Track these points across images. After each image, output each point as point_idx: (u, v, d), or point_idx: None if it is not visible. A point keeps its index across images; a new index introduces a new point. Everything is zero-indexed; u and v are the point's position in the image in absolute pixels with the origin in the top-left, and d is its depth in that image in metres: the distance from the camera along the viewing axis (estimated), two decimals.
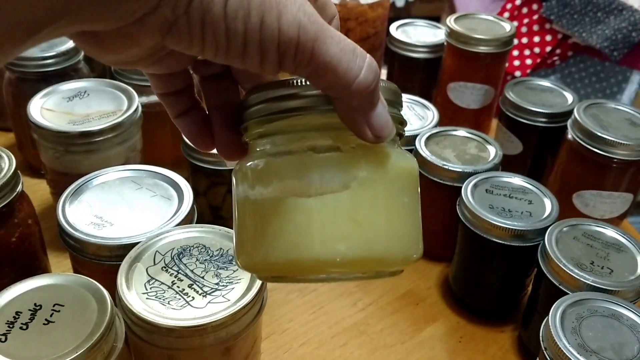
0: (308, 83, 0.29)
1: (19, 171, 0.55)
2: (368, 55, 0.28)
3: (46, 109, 0.66)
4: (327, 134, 0.30)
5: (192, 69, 0.33)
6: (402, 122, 0.32)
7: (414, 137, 0.69)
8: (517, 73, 1.33)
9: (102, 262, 0.50)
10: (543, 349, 0.48)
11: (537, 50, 1.32)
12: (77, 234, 0.51)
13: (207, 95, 0.33)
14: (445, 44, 0.87)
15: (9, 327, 0.40)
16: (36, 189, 0.76)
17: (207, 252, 0.49)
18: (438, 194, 0.67)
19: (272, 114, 0.30)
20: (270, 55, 0.26)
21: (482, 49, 0.83)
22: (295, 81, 0.29)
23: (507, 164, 0.73)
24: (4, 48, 0.22)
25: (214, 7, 0.24)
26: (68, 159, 0.64)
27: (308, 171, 0.29)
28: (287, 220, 0.29)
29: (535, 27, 1.32)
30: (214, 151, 0.65)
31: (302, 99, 0.29)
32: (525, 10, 1.35)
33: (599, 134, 0.67)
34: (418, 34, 0.92)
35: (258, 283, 0.45)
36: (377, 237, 0.29)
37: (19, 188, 0.55)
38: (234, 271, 0.47)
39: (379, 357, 0.60)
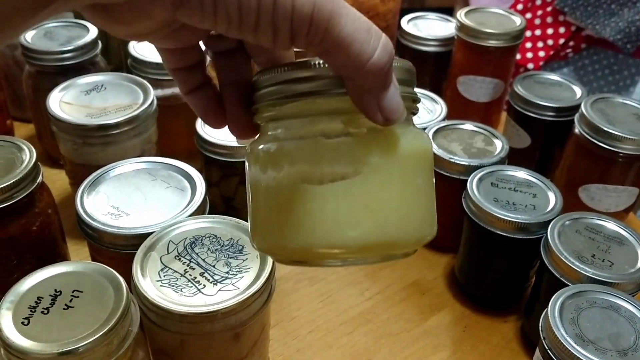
0: (319, 65, 0.28)
1: (39, 163, 0.58)
2: (383, 35, 0.27)
3: (65, 102, 0.68)
4: (339, 118, 0.29)
5: (205, 43, 0.32)
6: (415, 100, 0.32)
7: (423, 130, 0.71)
8: (530, 65, 1.33)
9: (119, 250, 0.53)
10: (542, 338, 0.49)
11: (550, 42, 1.32)
12: (94, 223, 0.53)
13: (219, 71, 0.33)
14: (455, 37, 0.88)
15: (31, 311, 0.42)
16: (55, 179, 0.79)
17: (218, 242, 0.51)
18: (444, 187, 0.69)
19: (282, 97, 0.30)
20: (283, 32, 0.25)
21: (492, 43, 0.83)
22: (306, 63, 0.29)
23: (515, 157, 0.74)
24: (14, 22, 0.22)
25: None
26: (86, 150, 0.66)
27: (319, 157, 0.29)
28: (299, 207, 0.29)
29: (549, 19, 1.32)
30: (227, 143, 0.66)
31: (312, 82, 0.29)
32: (539, 1, 1.35)
33: (605, 129, 0.67)
34: (429, 28, 0.93)
35: (266, 272, 0.47)
36: (390, 222, 0.29)
37: (39, 179, 0.57)
38: (244, 260, 0.49)
39: (385, 344, 0.62)
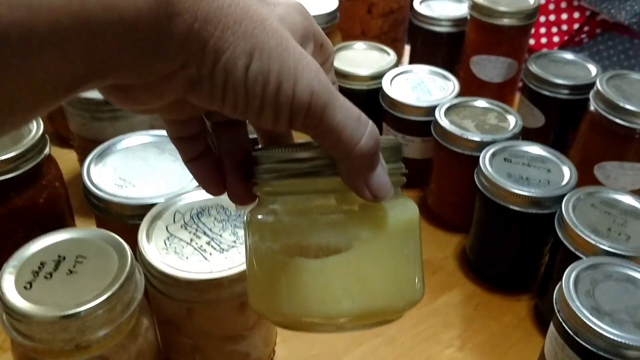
0: (314, 147, 0.31)
1: (46, 135, 0.57)
2: (370, 122, 0.29)
3: None
4: (332, 196, 0.31)
5: (205, 115, 0.34)
6: (402, 174, 0.34)
7: (434, 107, 0.70)
8: (544, 51, 1.31)
9: (125, 221, 0.52)
10: (556, 311, 0.48)
11: (564, 27, 1.30)
12: (101, 194, 0.53)
13: (219, 141, 0.34)
14: (468, 17, 0.86)
15: (34, 276, 0.42)
16: (65, 159, 0.78)
17: (226, 212, 0.50)
18: (457, 164, 0.68)
19: (281, 175, 0.32)
20: (283, 117, 0.27)
21: (506, 21, 0.82)
22: (303, 145, 0.31)
23: (530, 137, 0.72)
24: (44, 102, 0.23)
25: (237, 71, 0.26)
26: (94, 125, 0.66)
27: (315, 232, 0.31)
28: (295, 278, 0.31)
29: (563, 4, 1.30)
30: None
31: (309, 162, 0.31)
32: None
33: (622, 105, 0.66)
34: (441, 8, 0.92)
35: None
36: (380, 291, 0.31)
37: (47, 151, 0.56)
38: None
39: (394, 322, 0.61)
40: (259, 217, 0.33)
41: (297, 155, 0.31)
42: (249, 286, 0.34)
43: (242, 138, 0.34)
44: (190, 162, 0.34)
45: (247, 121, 0.34)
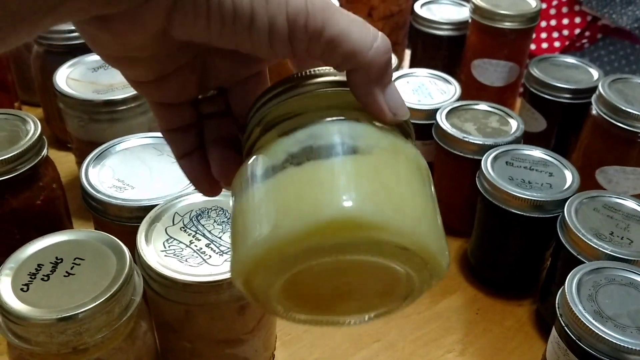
0: (313, 72, 0.28)
1: (44, 136, 0.57)
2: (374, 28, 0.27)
3: (72, 78, 0.67)
4: (340, 112, 0.28)
5: (195, 105, 0.32)
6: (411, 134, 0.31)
7: (435, 110, 0.69)
8: (546, 55, 1.31)
9: (123, 223, 0.52)
10: (559, 315, 0.47)
11: (565, 32, 1.30)
12: (99, 195, 0.52)
13: (207, 131, 0.33)
14: (469, 20, 0.86)
15: (31, 278, 0.41)
16: (63, 161, 0.78)
17: (225, 214, 0.49)
18: (458, 167, 0.67)
19: (284, 97, 0.29)
20: (280, 27, 0.25)
21: (507, 25, 0.82)
22: (300, 73, 0.29)
23: (531, 141, 0.72)
24: (23, 26, 0.22)
25: None
26: (92, 127, 0.65)
27: (327, 131, 0.26)
28: (308, 181, 0.25)
29: (564, 9, 1.30)
30: None
31: (313, 85, 0.29)
32: None
33: (624, 109, 0.65)
34: (442, 12, 0.92)
35: None
36: (407, 208, 0.25)
37: (44, 152, 0.56)
38: None
39: (394, 326, 0.60)
40: (254, 157, 0.28)
41: (294, 82, 0.28)
42: (232, 253, 0.27)
43: (228, 128, 0.33)
44: (183, 158, 0.33)
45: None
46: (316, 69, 0.29)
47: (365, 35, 0.26)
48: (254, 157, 0.28)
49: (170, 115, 0.32)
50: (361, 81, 0.27)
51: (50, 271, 0.42)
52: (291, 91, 0.29)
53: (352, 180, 0.25)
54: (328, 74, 0.29)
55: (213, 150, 0.32)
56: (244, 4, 0.24)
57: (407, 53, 1.01)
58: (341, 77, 0.29)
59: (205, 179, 0.33)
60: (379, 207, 0.24)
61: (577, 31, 1.29)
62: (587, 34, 1.29)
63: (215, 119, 0.33)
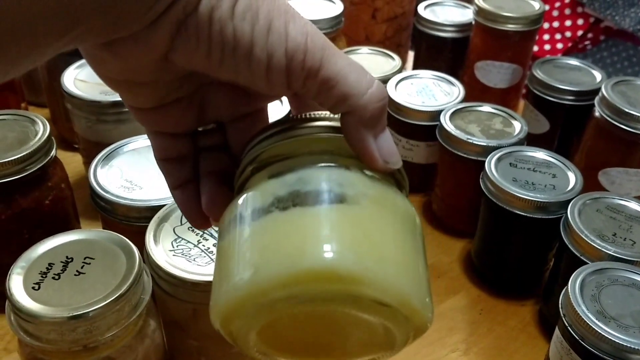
0: (310, 115, 0.28)
1: (52, 137, 0.57)
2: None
3: (79, 79, 0.68)
4: (332, 158, 0.28)
5: (194, 138, 0.32)
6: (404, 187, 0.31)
7: (439, 112, 0.70)
8: (549, 57, 1.32)
9: (131, 223, 0.52)
10: (562, 315, 0.48)
11: (568, 34, 1.30)
12: (108, 196, 0.53)
13: (202, 163, 0.33)
14: (473, 22, 0.86)
15: (42, 277, 0.42)
16: (70, 161, 0.78)
17: None
18: (462, 169, 0.68)
19: (273, 141, 0.29)
20: (278, 60, 0.25)
21: (511, 27, 0.82)
22: (297, 115, 0.29)
23: (534, 143, 0.73)
24: (39, 50, 0.23)
25: (223, 5, 0.24)
26: (100, 128, 0.66)
27: (316, 177, 0.27)
28: (291, 228, 0.25)
29: (567, 11, 1.30)
30: None
31: (306, 129, 0.29)
32: None
33: (627, 110, 0.66)
34: (446, 14, 0.92)
35: None
36: (390, 262, 0.25)
37: (53, 153, 0.57)
38: None
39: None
40: (243, 196, 0.28)
41: (289, 124, 0.28)
42: (213, 291, 0.28)
43: (226, 161, 0.33)
44: (177, 189, 0.33)
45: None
46: (314, 112, 0.29)
47: (361, 79, 0.26)
48: (243, 196, 0.28)
49: (167, 145, 0.32)
50: (353, 125, 0.27)
51: (61, 270, 0.42)
52: (286, 132, 0.29)
53: (335, 230, 0.25)
54: (325, 118, 0.29)
55: (205, 183, 0.32)
56: (244, 33, 0.25)
57: (411, 55, 1.01)
58: (337, 123, 0.29)
59: (197, 212, 0.32)
60: (359, 259, 0.24)
61: (580, 33, 1.29)
62: (589, 35, 1.30)
63: (211, 152, 0.33)
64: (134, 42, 0.25)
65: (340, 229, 0.25)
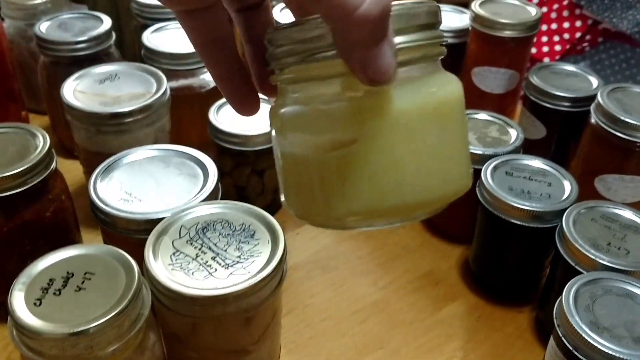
0: (319, 24, 0.27)
1: (53, 150, 0.58)
2: None
3: (79, 91, 0.68)
4: (337, 81, 0.28)
5: (224, 3, 0.31)
6: (441, 44, 0.30)
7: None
8: (546, 59, 1.32)
9: (131, 235, 0.53)
10: (556, 326, 0.48)
11: (566, 36, 1.30)
12: (107, 208, 0.53)
13: (241, 30, 0.32)
14: (470, 28, 0.87)
15: (43, 292, 0.43)
16: (70, 169, 0.79)
17: (230, 227, 0.51)
18: None
19: (286, 62, 0.29)
20: None
21: (507, 33, 0.83)
22: (307, 22, 0.28)
23: (531, 148, 0.73)
24: None
25: None
26: (100, 139, 0.66)
27: (318, 126, 0.28)
28: (316, 176, 0.29)
29: (565, 13, 1.30)
30: (240, 132, 0.67)
31: (315, 42, 0.27)
32: None
33: (622, 118, 0.66)
34: (443, 19, 0.92)
35: (278, 256, 0.47)
36: (400, 185, 0.28)
37: (53, 165, 0.57)
38: (255, 245, 0.49)
39: (398, 333, 0.61)
40: (275, 110, 0.30)
41: (302, 34, 0.27)
42: (282, 190, 0.32)
43: (265, 24, 0.31)
44: (222, 80, 0.32)
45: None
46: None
47: None
48: (281, 110, 0.30)
49: (197, 25, 0.31)
50: (339, 42, 0.26)
51: (62, 285, 0.43)
52: (299, 45, 0.28)
53: (346, 178, 0.28)
54: None
55: (254, 62, 0.31)
56: None
57: None
58: None
59: (245, 99, 0.32)
60: (364, 200, 0.29)
61: (578, 35, 1.30)
62: (587, 37, 1.30)
63: (247, 15, 0.31)
64: None
65: (351, 178, 0.28)
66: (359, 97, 0.28)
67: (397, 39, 0.27)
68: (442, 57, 0.31)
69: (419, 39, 0.29)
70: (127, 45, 0.95)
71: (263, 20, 0.32)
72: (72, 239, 0.61)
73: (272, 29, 0.30)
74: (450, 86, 0.30)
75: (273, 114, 0.31)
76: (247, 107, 0.32)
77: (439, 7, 0.31)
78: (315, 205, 0.30)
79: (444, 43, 0.30)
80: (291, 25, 0.28)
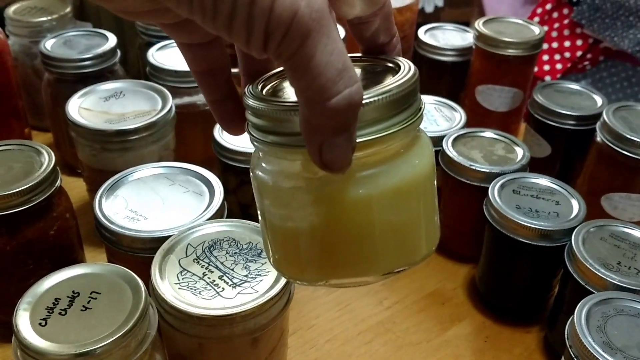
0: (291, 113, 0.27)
1: (57, 167, 0.58)
2: (356, 82, 0.25)
3: (84, 108, 0.68)
4: (299, 160, 0.29)
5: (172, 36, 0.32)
6: (414, 120, 0.29)
7: (441, 137, 0.70)
8: (547, 78, 1.32)
9: (136, 254, 0.52)
10: (568, 346, 0.48)
11: (567, 54, 1.31)
12: (112, 226, 0.53)
13: (240, 64, 0.33)
14: (473, 47, 0.87)
15: (48, 312, 0.42)
16: (73, 187, 0.79)
17: (237, 245, 0.50)
18: (465, 195, 0.68)
19: (256, 133, 0.30)
20: (256, 34, 0.24)
21: (511, 52, 0.83)
22: (282, 105, 0.28)
23: (536, 166, 0.73)
24: None
25: None
26: (104, 156, 0.66)
27: (279, 203, 0.30)
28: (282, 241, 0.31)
29: (566, 32, 1.31)
30: (245, 150, 0.66)
31: (284, 124, 0.28)
32: (555, 14, 1.34)
33: (628, 136, 0.66)
34: (446, 38, 0.93)
35: None
36: (345, 264, 0.30)
37: (58, 183, 0.57)
38: (263, 264, 0.48)
39: (405, 354, 0.61)
40: (253, 163, 0.32)
41: (277, 115, 0.28)
42: (266, 249, 0.33)
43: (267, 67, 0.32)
44: (214, 103, 0.33)
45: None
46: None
47: (329, 85, 0.24)
48: (253, 173, 0.32)
49: (197, 57, 0.32)
50: (303, 120, 0.26)
51: (68, 305, 0.42)
52: (266, 126, 0.29)
53: (306, 250, 0.31)
54: None
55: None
56: (224, 2, 0.23)
57: None
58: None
59: (233, 123, 0.34)
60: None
61: (579, 53, 1.30)
62: (588, 56, 1.31)
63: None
64: None
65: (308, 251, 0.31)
66: (317, 179, 0.28)
67: (366, 130, 0.27)
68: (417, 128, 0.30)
69: (390, 125, 0.28)
70: (131, 63, 0.95)
71: (216, 55, 0.33)
72: (75, 258, 0.61)
73: (254, 88, 0.31)
74: (413, 170, 0.29)
75: (251, 165, 0.32)
76: (236, 129, 0.34)
77: (417, 79, 0.29)
78: (284, 264, 0.32)
79: (420, 113, 0.29)
80: (269, 101, 0.29)
